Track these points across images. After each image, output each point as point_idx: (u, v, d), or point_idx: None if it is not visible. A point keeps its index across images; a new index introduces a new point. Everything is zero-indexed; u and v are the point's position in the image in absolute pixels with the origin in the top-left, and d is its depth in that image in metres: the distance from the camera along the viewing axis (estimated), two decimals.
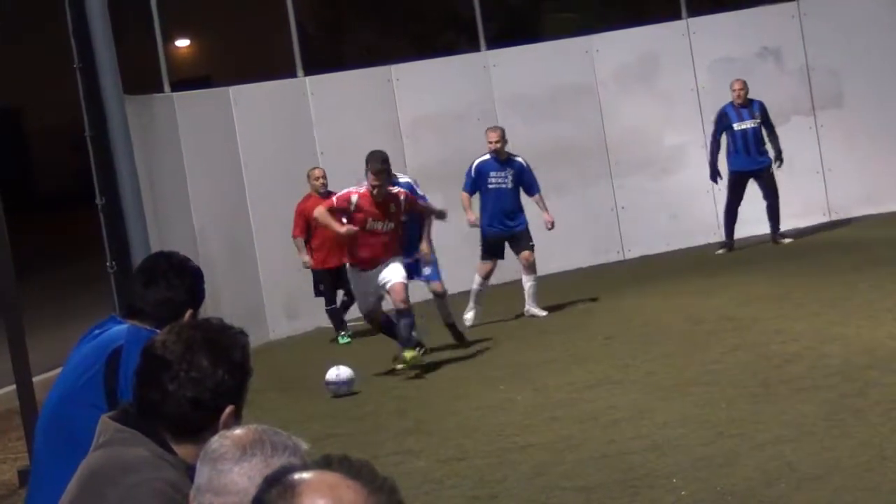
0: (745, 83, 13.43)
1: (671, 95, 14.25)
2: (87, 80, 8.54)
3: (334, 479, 1.48)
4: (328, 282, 12.18)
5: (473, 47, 15.45)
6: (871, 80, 14.47)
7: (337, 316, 12.32)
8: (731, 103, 13.40)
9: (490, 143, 11.67)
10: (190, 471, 2.17)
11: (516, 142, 12.15)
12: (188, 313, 3.43)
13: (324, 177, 12.13)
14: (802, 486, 6.29)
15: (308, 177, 12.14)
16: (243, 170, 12.84)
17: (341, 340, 12.20)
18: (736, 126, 13.42)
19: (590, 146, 14.13)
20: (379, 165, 9.57)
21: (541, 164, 12.35)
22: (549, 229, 11.72)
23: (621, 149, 14.13)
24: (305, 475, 1.48)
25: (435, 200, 11.41)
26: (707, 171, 13.55)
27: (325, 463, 1.51)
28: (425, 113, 14.00)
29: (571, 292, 12.49)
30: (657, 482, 6.71)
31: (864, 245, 12.81)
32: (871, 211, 14.27)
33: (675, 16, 14.82)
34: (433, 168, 13.42)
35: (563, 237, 12.57)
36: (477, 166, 11.75)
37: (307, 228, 11.86)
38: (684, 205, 14.08)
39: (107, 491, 2.31)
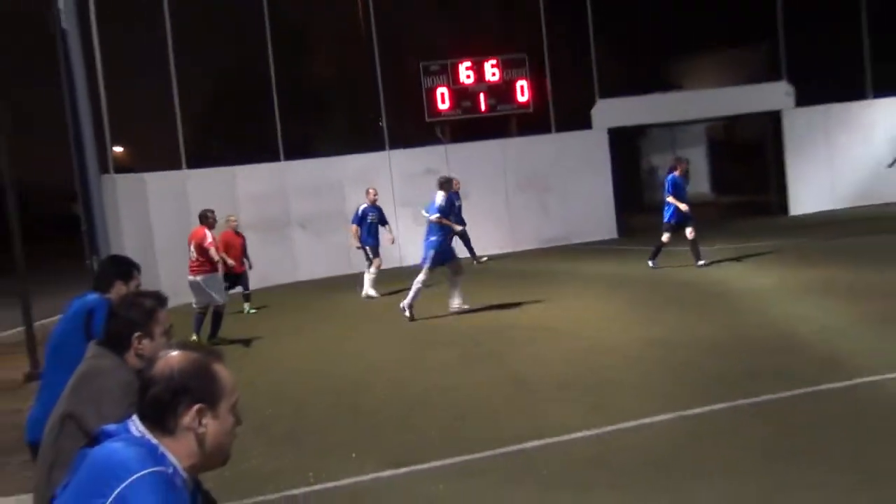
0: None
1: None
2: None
3: (168, 352, 2.86)
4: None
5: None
6: (481, 184, 25.43)
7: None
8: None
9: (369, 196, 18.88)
10: (136, 372, 3.82)
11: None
12: (116, 283, 5.87)
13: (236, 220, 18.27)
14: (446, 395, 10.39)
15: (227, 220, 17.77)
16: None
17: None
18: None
19: None
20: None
21: None
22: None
23: None
24: (164, 352, 2.87)
25: None
26: None
27: (175, 346, 2.91)
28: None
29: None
30: (365, 393, 11.01)
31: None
32: (484, 251, 23.41)
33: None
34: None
35: None
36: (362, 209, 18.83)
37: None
38: None
39: (91, 382, 4.27)
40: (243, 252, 18.32)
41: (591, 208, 25.82)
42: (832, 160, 26.88)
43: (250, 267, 18.65)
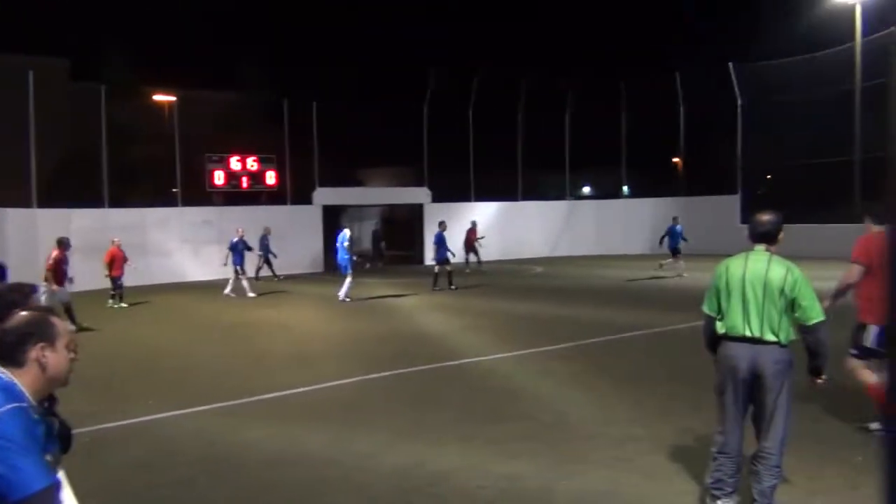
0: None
1: None
2: None
3: (19, 312, 2.48)
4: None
5: None
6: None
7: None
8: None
9: None
10: None
11: None
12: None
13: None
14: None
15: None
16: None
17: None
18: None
19: None
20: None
21: None
22: None
23: None
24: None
25: None
26: None
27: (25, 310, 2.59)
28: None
29: None
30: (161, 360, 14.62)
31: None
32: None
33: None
34: None
35: None
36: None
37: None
38: None
39: None
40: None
41: (310, 253, 25.88)
42: (452, 235, 28.17)
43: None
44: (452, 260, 19.25)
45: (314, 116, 26.75)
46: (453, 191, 29.46)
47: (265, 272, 22.12)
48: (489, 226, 29.21)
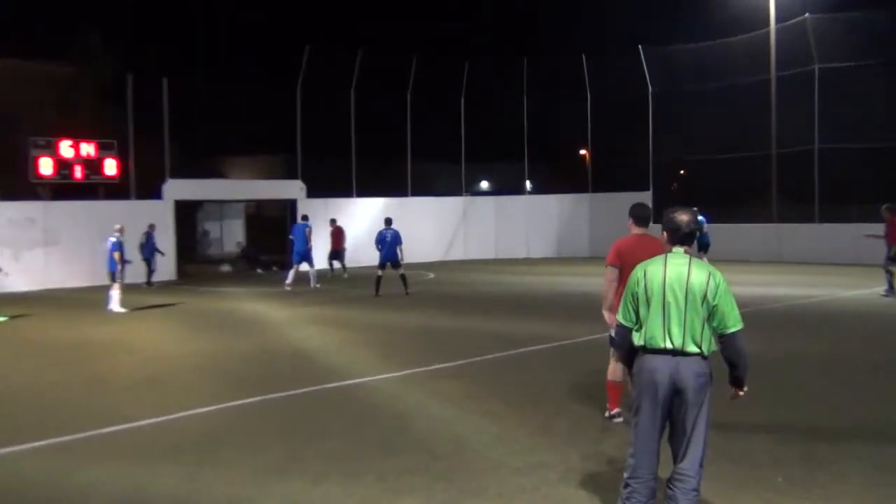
0: None
1: None
2: None
3: None
4: None
5: None
6: (72, 233, 24.44)
7: None
8: None
9: None
10: None
11: None
12: None
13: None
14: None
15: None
16: None
17: None
18: None
19: None
20: None
21: None
22: None
23: None
24: None
25: None
26: None
27: None
28: None
29: None
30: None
31: None
32: (71, 284, 23.03)
33: None
34: None
35: None
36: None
37: None
38: None
39: None
40: None
41: (158, 256, 24.98)
42: (327, 235, 28.02)
43: None
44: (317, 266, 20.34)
45: (164, 95, 25.95)
46: (332, 184, 29.28)
47: (152, 277, 22.61)
48: (372, 225, 29.25)
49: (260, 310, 17.52)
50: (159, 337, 14.10)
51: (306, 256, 20.95)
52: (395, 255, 18.99)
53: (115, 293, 17.30)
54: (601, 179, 32.71)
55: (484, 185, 44.73)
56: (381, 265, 19.05)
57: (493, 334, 13.31)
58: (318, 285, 20.83)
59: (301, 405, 8.79)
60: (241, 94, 27.85)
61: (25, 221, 22.93)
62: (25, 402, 9.25)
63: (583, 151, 35.90)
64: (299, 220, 21.71)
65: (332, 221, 25.75)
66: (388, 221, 19.78)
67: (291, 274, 20.85)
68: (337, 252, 25.17)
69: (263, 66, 32.80)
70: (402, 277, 19.11)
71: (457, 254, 31.65)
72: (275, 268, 26.30)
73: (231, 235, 31.67)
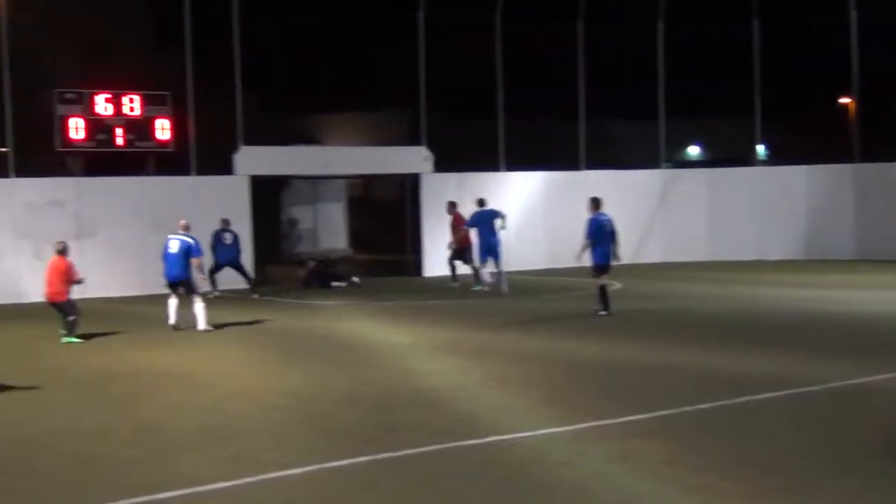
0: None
1: None
2: None
3: None
4: None
5: None
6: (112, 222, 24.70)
7: None
8: None
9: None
10: None
11: None
12: None
13: None
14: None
15: None
16: None
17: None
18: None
19: None
20: None
21: None
22: None
23: None
24: None
25: None
26: None
27: None
28: None
29: None
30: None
31: None
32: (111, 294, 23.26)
33: None
34: None
35: None
36: None
37: None
38: None
39: None
40: None
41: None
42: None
43: None
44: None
45: (235, 30, 26.84)
46: (470, 153, 29.57)
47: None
48: (527, 211, 29.33)
49: (368, 331, 17.79)
50: (232, 368, 14.55)
51: (492, 251, 23.29)
52: (607, 256, 18.99)
53: (200, 307, 18.17)
54: (873, 143, 31.55)
55: (693, 151, 43.98)
56: (600, 268, 19.04)
57: (708, 374, 13.03)
58: (484, 288, 23.63)
59: (425, 469, 8.84)
60: (338, 28, 28.52)
61: (50, 205, 24.21)
62: (52, 456, 9.71)
63: (844, 100, 34.68)
64: (476, 207, 24.05)
65: (452, 206, 25.90)
66: (596, 202, 19.45)
67: (486, 274, 23.68)
68: (461, 250, 25.22)
69: None
70: (602, 289, 19.13)
71: (652, 252, 31.27)
72: (356, 279, 26.53)
73: (329, 225, 32.37)
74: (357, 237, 32.85)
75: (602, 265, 18.93)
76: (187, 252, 18.32)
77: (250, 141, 26.92)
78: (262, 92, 28.69)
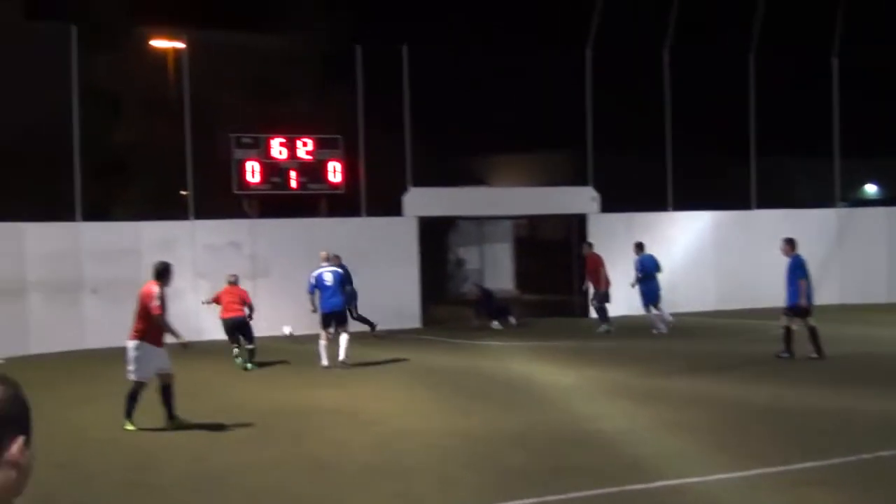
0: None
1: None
2: None
3: None
4: None
5: None
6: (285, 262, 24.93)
7: None
8: None
9: None
10: None
11: None
12: None
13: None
14: None
15: None
16: None
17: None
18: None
19: None
20: None
21: None
22: None
23: None
24: None
25: None
26: None
27: None
28: None
29: None
30: (160, 468, 15.56)
31: None
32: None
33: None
34: None
35: None
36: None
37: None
38: None
39: None
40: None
41: (396, 295, 26.23)
42: (631, 267, 28.21)
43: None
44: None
45: (405, 72, 27.31)
46: (636, 192, 29.31)
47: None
48: (694, 251, 28.84)
49: (534, 371, 17.84)
50: (399, 406, 14.79)
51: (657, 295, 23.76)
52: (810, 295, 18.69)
53: (347, 338, 18.88)
54: None
55: (870, 189, 42.65)
56: (804, 310, 18.67)
57: (887, 421, 12.64)
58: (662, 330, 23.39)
59: None
60: (505, 67, 28.67)
61: (228, 246, 25.00)
62: (229, 490, 10.05)
63: None
64: (636, 250, 24.24)
65: (589, 247, 25.71)
66: (792, 243, 19.50)
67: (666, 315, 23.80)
68: (602, 294, 24.89)
69: (535, 25, 33.51)
70: (812, 331, 18.59)
71: (828, 293, 30.27)
72: (513, 320, 26.38)
73: (495, 265, 32.55)
74: (523, 277, 32.89)
75: (807, 307, 18.59)
76: (342, 282, 18.99)
77: (419, 182, 27.28)
78: (430, 134, 29.04)
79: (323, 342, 18.62)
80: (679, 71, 29.93)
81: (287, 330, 22.18)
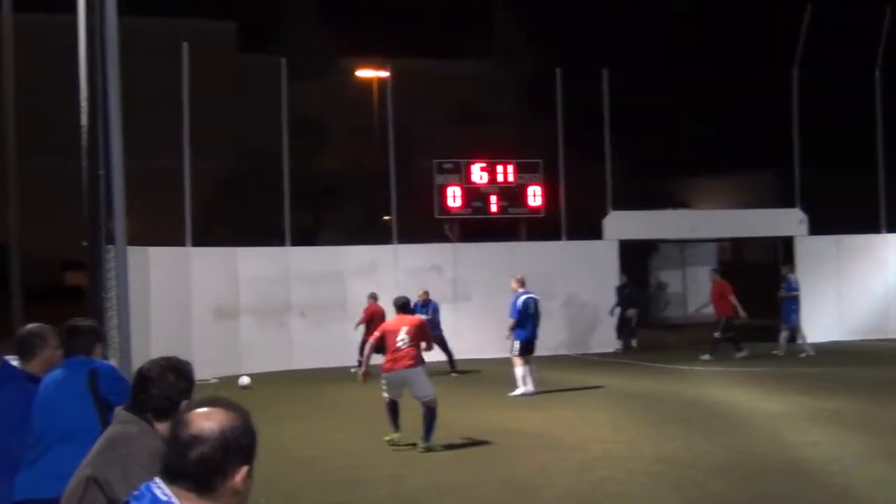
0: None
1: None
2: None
3: (203, 410, 2.79)
4: None
5: None
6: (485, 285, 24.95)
7: None
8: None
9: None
10: (164, 440, 3.47)
11: None
12: (96, 346, 6.24)
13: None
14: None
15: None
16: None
17: None
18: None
19: None
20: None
21: None
22: None
23: None
24: (188, 413, 2.81)
25: None
26: None
27: (197, 404, 2.83)
28: None
29: None
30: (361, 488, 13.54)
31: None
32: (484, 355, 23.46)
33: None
34: None
35: None
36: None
37: None
38: None
39: (119, 449, 4.15)
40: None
41: (596, 318, 26.02)
42: (841, 290, 27.18)
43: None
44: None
45: (605, 95, 27.11)
46: (845, 215, 28.21)
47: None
48: None
49: (737, 397, 17.44)
50: (601, 431, 14.60)
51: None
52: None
53: (517, 370, 18.42)
54: None
55: None
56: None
57: None
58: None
59: None
60: (707, 88, 28.14)
61: (430, 270, 25.27)
62: None
63: None
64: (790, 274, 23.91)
65: (716, 273, 25.30)
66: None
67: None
68: (726, 322, 23.85)
69: (738, 46, 32.80)
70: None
71: None
72: (744, 351, 25.25)
73: (698, 289, 31.85)
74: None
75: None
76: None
77: (619, 205, 26.99)
78: (630, 156, 28.75)
79: (521, 369, 18.46)
80: (891, 89, 28.75)
81: (244, 381, 20.53)
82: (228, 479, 2.74)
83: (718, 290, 24.33)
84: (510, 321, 18.30)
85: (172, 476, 2.75)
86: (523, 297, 18.37)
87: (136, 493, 2.79)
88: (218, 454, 2.72)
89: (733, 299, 23.90)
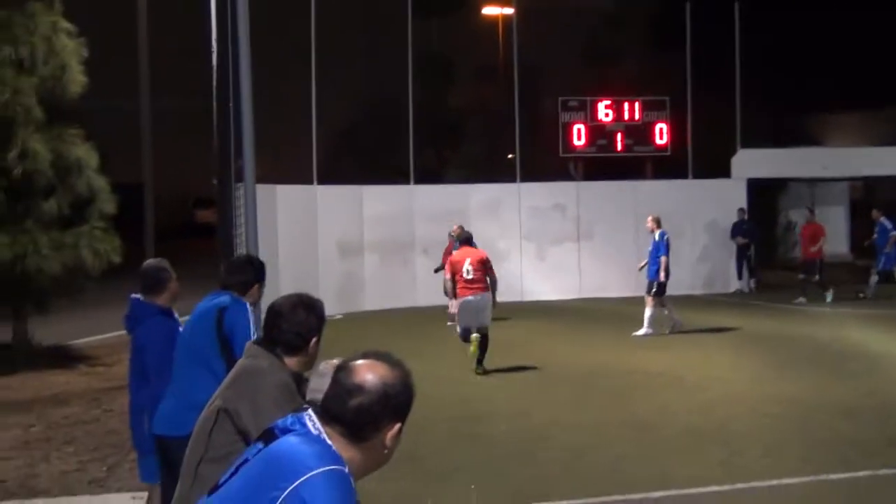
0: None
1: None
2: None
3: (369, 361, 2.85)
4: None
5: None
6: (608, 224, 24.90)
7: None
8: None
9: None
10: (293, 375, 4.25)
11: None
12: (255, 286, 6.22)
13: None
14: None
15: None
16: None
17: None
18: None
19: None
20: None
21: None
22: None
23: None
24: (354, 361, 2.87)
25: None
26: None
27: (363, 355, 2.86)
28: None
29: None
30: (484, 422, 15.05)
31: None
32: (606, 294, 23.78)
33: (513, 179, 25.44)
34: None
35: None
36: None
37: None
38: None
39: (249, 382, 4.31)
40: None
41: (723, 259, 25.65)
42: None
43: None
44: None
45: (736, 31, 26.47)
46: None
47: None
48: None
49: (868, 339, 17.08)
50: (725, 372, 14.50)
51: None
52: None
53: (648, 310, 18.34)
54: None
55: None
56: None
57: None
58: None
59: None
60: (839, 23, 27.32)
61: (553, 209, 25.19)
62: (552, 448, 10.22)
63: None
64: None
65: (810, 213, 24.83)
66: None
67: None
68: (810, 262, 23.26)
69: None
70: None
71: None
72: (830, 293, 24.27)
73: (828, 229, 31.11)
74: (858, 242, 31.22)
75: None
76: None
77: (748, 143, 26.44)
78: (760, 94, 28.07)
79: (653, 310, 18.33)
80: None
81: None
82: (381, 432, 2.83)
83: (811, 231, 23.84)
84: (663, 259, 18.17)
85: (328, 417, 2.84)
86: (667, 236, 18.47)
87: (286, 421, 2.88)
88: (376, 407, 2.79)
89: (823, 241, 23.57)
